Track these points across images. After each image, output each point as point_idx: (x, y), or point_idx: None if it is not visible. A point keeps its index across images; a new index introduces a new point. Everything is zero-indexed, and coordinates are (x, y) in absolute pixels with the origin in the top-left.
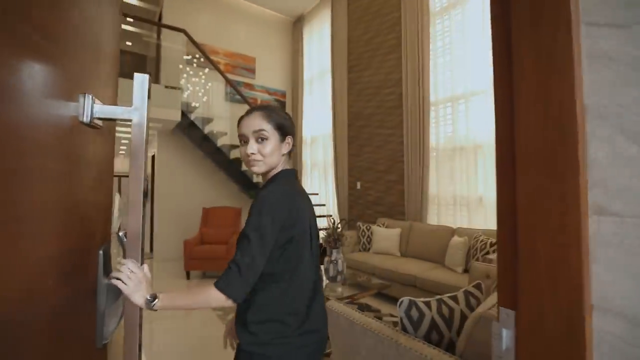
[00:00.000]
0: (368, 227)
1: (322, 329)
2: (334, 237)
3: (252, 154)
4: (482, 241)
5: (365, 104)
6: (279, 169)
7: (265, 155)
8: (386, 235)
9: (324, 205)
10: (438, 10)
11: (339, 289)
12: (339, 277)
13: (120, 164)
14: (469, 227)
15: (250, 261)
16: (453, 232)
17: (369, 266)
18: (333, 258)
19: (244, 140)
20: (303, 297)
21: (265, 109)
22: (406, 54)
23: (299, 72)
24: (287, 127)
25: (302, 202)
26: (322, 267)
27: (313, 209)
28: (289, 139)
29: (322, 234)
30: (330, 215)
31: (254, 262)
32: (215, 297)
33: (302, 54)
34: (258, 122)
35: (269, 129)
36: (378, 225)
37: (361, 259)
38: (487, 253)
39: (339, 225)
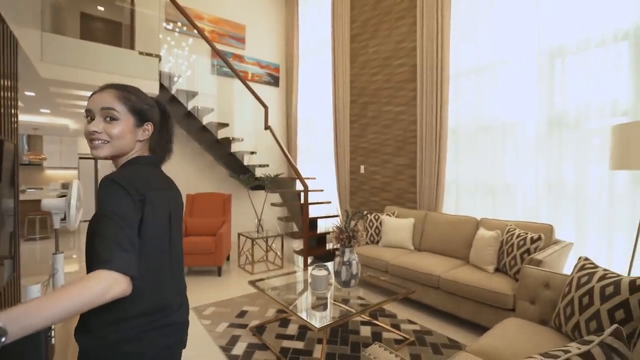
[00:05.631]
0: (377, 217)
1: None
2: (348, 234)
3: (95, 132)
4: (519, 236)
5: (371, 77)
6: (134, 155)
7: (112, 136)
8: (398, 226)
9: (322, 191)
10: None
11: (353, 294)
12: (352, 282)
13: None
14: (495, 218)
15: (124, 236)
16: (477, 223)
17: (380, 262)
18: (346, 259)
19: (90, 116)
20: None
21: (122, 89)
22: (422, 17)
23: (294, 43)
24: (147, 113)
25: (160, 192)
26: (330, 268)
27: (179, 203)
28: (148, 126)
29: (330, 226)
30: (330, 202)
31: (129, 237)
32: (109, 279)
33: (298, 22)
34: (109, 99)
35: (121, 110)
36: (387, 215)
37: (370, 254)
38: (528, 251)
39: (353, 218)
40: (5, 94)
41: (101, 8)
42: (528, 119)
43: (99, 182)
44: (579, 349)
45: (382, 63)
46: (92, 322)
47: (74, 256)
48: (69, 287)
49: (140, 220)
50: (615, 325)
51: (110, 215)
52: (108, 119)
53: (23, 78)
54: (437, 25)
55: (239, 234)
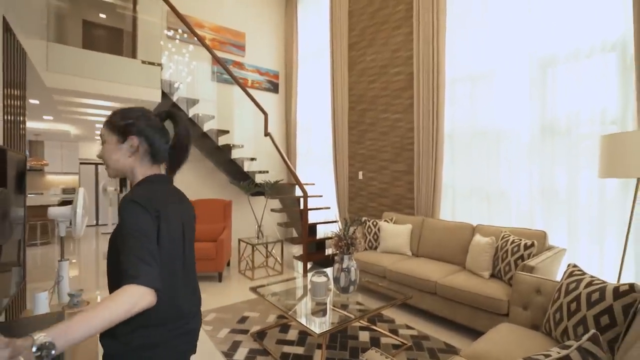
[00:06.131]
0: (375, 223)
1: (196, 327)
2: (346, 241)
3: (99, 157)
4: (513, 242)
5: (368, 85)
6: (139, 174)
7: (102, 158)
8: (396, 232)
9: (321, 196)
10: None
11: (352, 300)
12: (351, 288)
13: (97, 150)
14: (491, 225)
15: (147, 251)
16: (473, 229)
17: (378, 268)
18: (345, 266)
19: None
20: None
21: (112, 114)
22: (418, 26)
23: (293, 50)
24: (127, 128)
25: (173, 207)
26: (329, 274)
27: (191, 216)
28: (132, 140)
29: (328, 232)
30: (329, 208)
31: (151, 251)
32: (137, 293)
33: (297, 30)
34: (102, 128)
35: (105, 133)
36: (385, 221)
37: (369, 260)
38: (521, 257)
39: (352, 226)
40: (15, 102)
41: (103, 15)
42: (521, 125)
43: (100, 188)
44: (559, 353)
45: (379, 71)
46: (118, 329)
47: (74, 261)
48: (105, 302)
49: (157, 234)
50: (592, 331)
51: (132, 232)
52: (102, 144)
53: (29, 87)
54: (433, 33)
55: (239, 240)
